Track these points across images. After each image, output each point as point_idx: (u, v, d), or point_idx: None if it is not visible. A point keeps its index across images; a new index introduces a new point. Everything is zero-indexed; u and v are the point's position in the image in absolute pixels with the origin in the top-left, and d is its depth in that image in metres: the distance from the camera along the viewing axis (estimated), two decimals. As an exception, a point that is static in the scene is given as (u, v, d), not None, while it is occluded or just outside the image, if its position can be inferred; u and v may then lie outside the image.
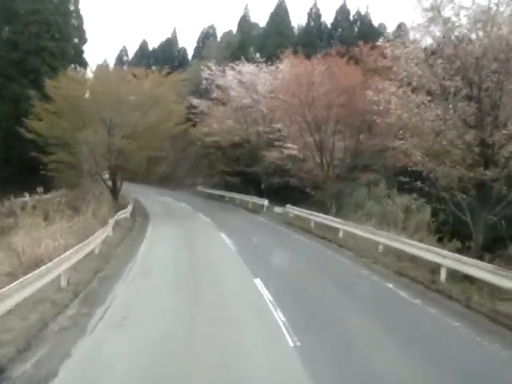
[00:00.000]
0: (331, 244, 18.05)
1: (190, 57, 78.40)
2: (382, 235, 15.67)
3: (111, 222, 16.97)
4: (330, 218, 20.60)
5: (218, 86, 32.24)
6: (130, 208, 24.55)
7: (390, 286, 11.79)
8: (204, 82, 33.31)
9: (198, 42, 76.84)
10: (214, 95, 33.06)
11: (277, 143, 28.83)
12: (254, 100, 30.49)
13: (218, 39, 71.67)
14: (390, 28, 59.04)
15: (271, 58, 32.24)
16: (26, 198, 28.89)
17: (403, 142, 14.26)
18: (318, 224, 21.31)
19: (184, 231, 20.27)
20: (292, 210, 25.25)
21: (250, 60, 32.89)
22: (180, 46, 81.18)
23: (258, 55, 31.85)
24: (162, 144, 31.94)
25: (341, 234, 18.53)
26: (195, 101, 34.84)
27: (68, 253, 10.34)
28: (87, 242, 12.19)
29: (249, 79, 31.02)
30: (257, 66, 31.45)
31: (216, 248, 16.41)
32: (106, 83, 24.97)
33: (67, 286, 9.93)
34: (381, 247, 15.47)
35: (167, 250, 15.70)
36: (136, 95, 24.71)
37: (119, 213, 20.91)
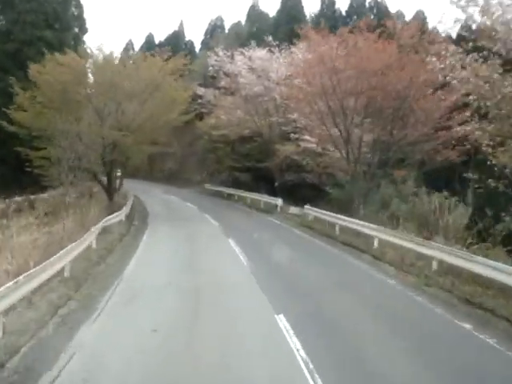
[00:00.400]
0: (364, 255, 14.56)
1: (197, 50, 75.01)
2: (435, 247, 12.16)
3: (95, 229, 13.62)
4: (359, 222, 17.08)
5: (226, 74, 28.75)
6: (126, 210, 21.26)
7: (467, 326, 8.29)
8: (211, 68, 29.76)
9: (206, 34, 73.40)
10: (222, 84, 29.59)
11: (292, 136, 25.38)
12: (266, 88, 27.01)
13: (226, 31, 68.18)
14: (408, 15, 55.23)
15: (284, 43, 28.77)
16: (17, 198, 25.89)
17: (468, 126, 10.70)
18: (344, 228, 17.89)
19: (187, 239, 16.91)
20: (311, 212, 21.78)
21: (261, 45, 29.41)
22: (187, 38, 77.64)
23: (270, 38, 28.23)
24: (164, 137, 28.63)
25: (376, 244, 15.01)
26: (201, 89, 31.41)
27: (10, 284, 7.02)
28: (49, 262, 8.86)
29: (260, 65, 27.52)
30: (269, 50, 27.92)
31: (224, 263, 13.01)
32: (100, 68, 21.64)
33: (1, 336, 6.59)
34: (434, 264, 11.93)
35: (163, 267, 12.23)
36: (133, 81, 21.36)
37: (111, 216, 17.63)
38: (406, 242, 13.51)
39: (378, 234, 15.03)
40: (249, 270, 11.83)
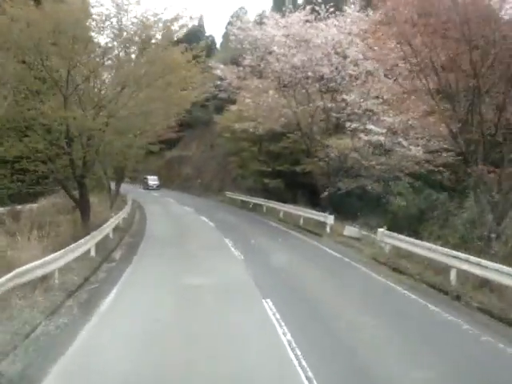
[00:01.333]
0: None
1: (218, 45, 67.48)
2: None
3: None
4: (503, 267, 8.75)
5: (252, 46, 20.68)
6: (101, 234, 13.40)
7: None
8: (233, 39, 21.68)
9: (227, 27, 65.77)
10: (247, 61, 21.59)
11: (350, 126, 17.21)
12: (308, 61, 18.79)
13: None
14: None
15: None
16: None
17: None
18: (464, 275, 9.68)
19: (189, 299, 8.79)
20: (390, 239, 13.41)
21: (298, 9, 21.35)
22: (207, 34, 70.09)
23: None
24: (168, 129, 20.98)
25: None
26: (221, 68, 23.40)
27: None
28: None
29: (299, 33, 19.37)
30: (312, 10, 19.78)
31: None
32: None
33: None
34: None
35: None
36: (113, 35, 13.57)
37: (72, 246, 9.85)
38: None
39: None
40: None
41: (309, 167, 21.89)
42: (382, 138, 16.37)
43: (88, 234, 12.33)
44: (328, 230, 17.71)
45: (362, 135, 16.96)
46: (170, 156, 50.99)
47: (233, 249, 14.20)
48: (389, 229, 13.63)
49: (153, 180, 45.92)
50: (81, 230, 14.01)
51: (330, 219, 17.89)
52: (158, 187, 44.38)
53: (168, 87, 15.23)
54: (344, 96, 17.79)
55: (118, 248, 14.49)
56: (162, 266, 11.73)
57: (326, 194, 19.33)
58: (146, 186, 44.87)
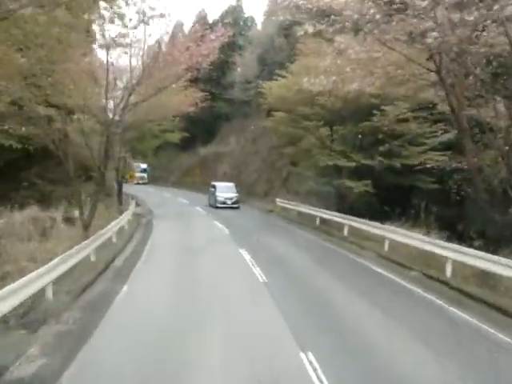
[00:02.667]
0: None
1: (259, 27, 57.20)
2: None
3: None
4: None
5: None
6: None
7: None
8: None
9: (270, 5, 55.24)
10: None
11: None
12: None
13: None
14: None
15: None
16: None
17: None
18: None
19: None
20: None
21: None
22: (246, 15, 60.04)
23: None
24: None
25: None
26: None
27: None
28: None
29: None
30: None
31: None
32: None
33: None
34: None
35: None
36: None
37: None
38: None
39: None
40: None
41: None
42: None
43: None
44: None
45: None
46: (205, 153, 41.52)
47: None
48: None
49: (225, 190, 24.71)
50: None
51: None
52: (236, 202, 24.17)
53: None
54: None
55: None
56: None
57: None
58: (214, 202, 24.19)
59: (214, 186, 25.35)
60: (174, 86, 18.45)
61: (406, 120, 15.59)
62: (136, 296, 7.99)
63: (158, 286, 8.55)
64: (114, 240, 12.59)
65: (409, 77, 12.46)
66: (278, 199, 22.55)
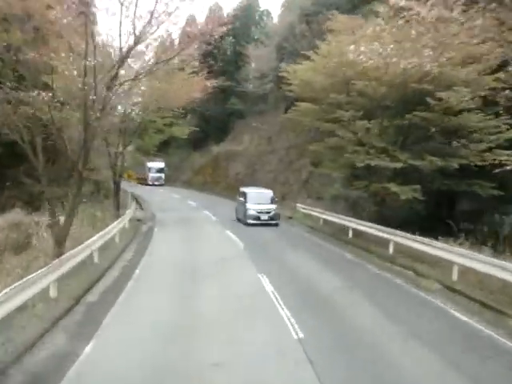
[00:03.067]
0: None
1: (275, 21, 54.10)
2: None
3: None
4: None
5: None
6: None
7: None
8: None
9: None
10: None
11: None
12: None
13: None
14: None
15: None
16: None
17: None
18: None
19: None
20: None
21: None
22: (262, 8, 57.16)
23: None
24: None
25: None
26: None
27: None
28: None
29: None
30: None
31: None
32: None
33: None
34: None
35: None
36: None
37: None
38: None
39: None
40: None
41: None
42: None
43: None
44: None
45: None
46: (218, 151, 38.59)
47: None
48: None
49: (259, 199, 17.54)
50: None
51: None
52: (274, 218, 17.37)
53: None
54: None
55: None
56: None
57: None
58: (244, 216, 17.41)
59: (243, 194, 18.15)
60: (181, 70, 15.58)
61: (464, 111, 12.37)
62: (102, 363, 5.00)
63: (137, 347, 5.53)
64: (96, 259, 9.64)
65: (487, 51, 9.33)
66: (298, 204, 19.47)
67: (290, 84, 16.41)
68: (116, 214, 16.14)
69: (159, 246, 12.67)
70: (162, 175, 42.12)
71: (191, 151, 42.46)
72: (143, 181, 40.65)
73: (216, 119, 41.31)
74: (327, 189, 20.42)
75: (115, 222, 12.80)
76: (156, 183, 40.66)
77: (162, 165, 41.80)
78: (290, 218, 19.33)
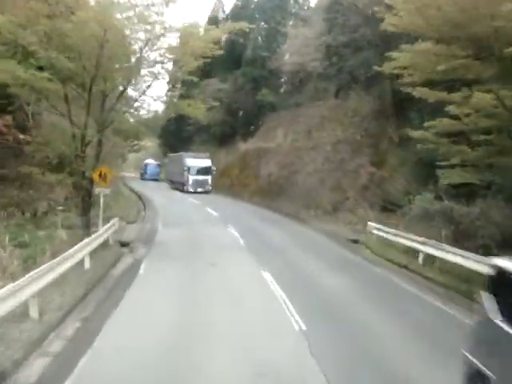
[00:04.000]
0: None
1: (312, 5, 47.20)
2: None
3: None
4: None
5: None
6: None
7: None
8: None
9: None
10: None
11: None
12: None
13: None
14: None
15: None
16: None
17: None
18: None
19: None
20: None
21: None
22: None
23: None
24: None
25: None
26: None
27: None
28: None
29: None
30: None
31: None
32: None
33: None
34: None
35: None
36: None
37: None
38: None
39: None
40: None
41: None
42: None
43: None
44: None
45: None
46: (246, 149, 32.03)
47: None
48: None
49: None
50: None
51: None
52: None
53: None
54: None
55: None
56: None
57: None
58: None
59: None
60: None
61: None
62: None
63: None
64: None
65: None
66: (370, 223, 12.52)
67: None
68: (86, 233, 9.78)
69: (126, 325, 6.00)
70: (209, 178, 28.43)
71: (216, 148, 36.07)
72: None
73: (244, 112, 34.87)
74: (405, 198, 13.59)
75: (58, 258, 6.34)
76: (199, 190, 27.62)
77: (207, 162, 28.63)
78: (355, 241, 12.50)
